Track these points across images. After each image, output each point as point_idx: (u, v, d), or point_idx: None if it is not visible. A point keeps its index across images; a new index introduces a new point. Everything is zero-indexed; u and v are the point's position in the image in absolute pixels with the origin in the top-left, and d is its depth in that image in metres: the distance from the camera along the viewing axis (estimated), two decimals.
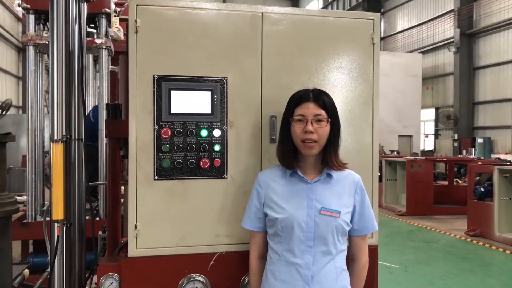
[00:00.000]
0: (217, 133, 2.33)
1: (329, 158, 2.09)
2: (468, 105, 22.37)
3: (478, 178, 11.03)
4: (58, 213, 2.31)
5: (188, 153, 2.30)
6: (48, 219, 2.57)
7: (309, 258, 2.03)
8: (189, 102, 2.30)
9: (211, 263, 2.32)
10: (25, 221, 4.64)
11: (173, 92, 2.27)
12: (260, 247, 2.21)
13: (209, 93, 2.31)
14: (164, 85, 2.26)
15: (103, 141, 4.64)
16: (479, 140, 21.00)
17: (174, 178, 2.28)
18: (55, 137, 2.40)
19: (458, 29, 22.21)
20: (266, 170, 2.24)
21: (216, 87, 2.32)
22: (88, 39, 6.63)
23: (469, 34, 22.21)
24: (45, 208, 4.54)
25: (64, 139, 2.38)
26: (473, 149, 19.89)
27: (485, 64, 21.68)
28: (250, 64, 2.37)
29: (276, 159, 2.19)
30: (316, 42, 2.45)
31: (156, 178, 2.26)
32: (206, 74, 2.31)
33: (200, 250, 2.32)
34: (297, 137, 2.06)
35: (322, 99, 2.08)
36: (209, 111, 2.32)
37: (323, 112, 2.06)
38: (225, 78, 2.33)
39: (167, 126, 2.27)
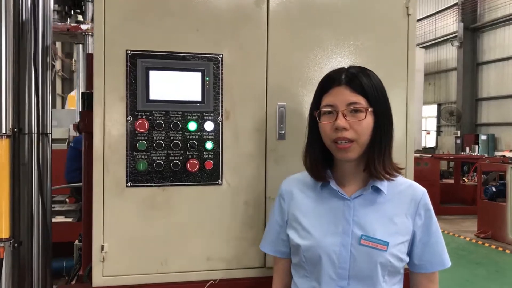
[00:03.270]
0: (209, 126, 1.83)
1: (372, 164, 1.49)
2: (471, 101, 22.01)
3: (485, 177, 10.57)
4: (1, 229, 1.77)
5: (172, 152, 1.80)
6: None
7: None
8: (173, 86, 1.80)
9: None
10: None
11: (152, 73, 1.78)
12: (284, 277, 1.69)
13: (199, 74, 1.82)
14: (140, 63, 1.76)
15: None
16: (483, 137, 20.59)
17: (153, 184, 1.79)
18: None
19: (462, 23, 21.78)
20: (293, 176, 1.68)
21: (209, 66, 1.81)
22: (73, 25, 6.29)
23: (473, 29, 21.79)
24: None
25: (10, 133, 1.82)
26: (477, 146, 19.46)
27: (489, 59, 21.27)
28: (252, 37, 1.86)
29: (288, 160, 1.67)
30: (337, 11, 1.94)
31: (129, 184, 1.77)
32: (196, 49, 1.82)
33: (187, 278, 1.84)
34: (327, 137, 1.49)
35: (359, 80, 1.47)
36: (199, 98, 1.82)
37: (360, 99, 1.46)
38: (220, 55, 1.82)
39: (143, 117, 1.77)
